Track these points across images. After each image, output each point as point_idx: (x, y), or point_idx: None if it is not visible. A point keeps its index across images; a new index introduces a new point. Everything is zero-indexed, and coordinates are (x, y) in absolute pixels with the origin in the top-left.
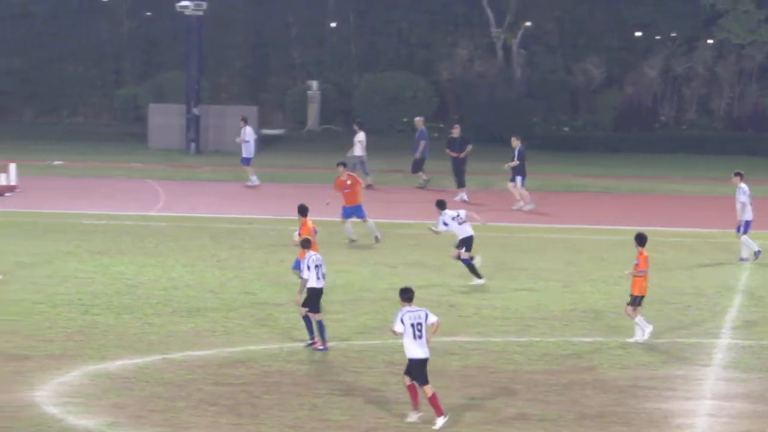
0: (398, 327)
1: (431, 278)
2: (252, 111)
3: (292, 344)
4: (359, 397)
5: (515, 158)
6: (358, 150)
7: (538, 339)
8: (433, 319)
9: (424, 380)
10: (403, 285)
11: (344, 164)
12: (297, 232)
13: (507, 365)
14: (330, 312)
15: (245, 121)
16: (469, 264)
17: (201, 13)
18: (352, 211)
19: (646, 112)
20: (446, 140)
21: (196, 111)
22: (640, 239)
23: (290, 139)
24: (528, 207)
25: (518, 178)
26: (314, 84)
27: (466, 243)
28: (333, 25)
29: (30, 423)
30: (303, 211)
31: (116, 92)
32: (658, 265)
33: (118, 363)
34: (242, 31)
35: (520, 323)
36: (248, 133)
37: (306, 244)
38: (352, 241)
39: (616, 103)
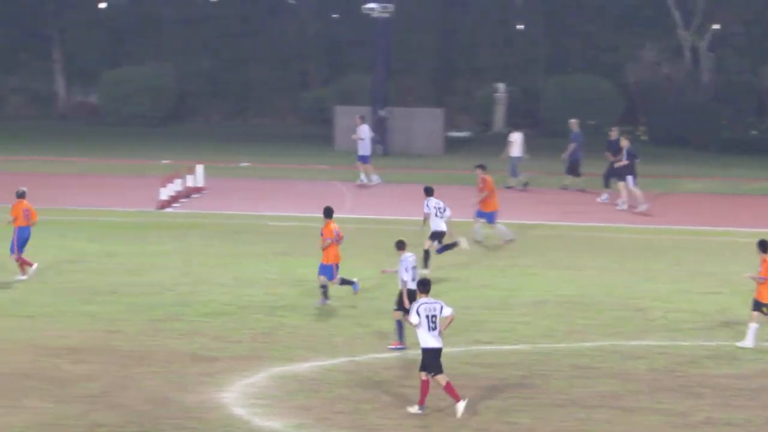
0: (414, 318)
1: (617, 281)
2: (438, 113)
3: (477, 347)
4: (545, 400)
5: (625, 158)
6: (514, 150)
7: (726, 343)
8: (447, 311)
9: (438, 370)
10: (588, 288)
11: (481, 167)
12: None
13: (695, 369)
14: (516, 314)
15: (362, 119)
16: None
17: (387, 15)
18: (484, 215)
19: None
20: (605, 143)
21: (382, 113)
22: (764, 246)
23: (476, 141)
24: (620, 207)
25: (629, 178)
26: (501, 86)
27: (437, 236)
28: (520, 27)
29: (218, 424)
30: (328, 213)
31: (302, 94)
32: None
33: (305, 365)
34: (429, 34)
35: (708, 327)
36: (364, 131)
37: (400, 245)
38: (477, 241)
39: None
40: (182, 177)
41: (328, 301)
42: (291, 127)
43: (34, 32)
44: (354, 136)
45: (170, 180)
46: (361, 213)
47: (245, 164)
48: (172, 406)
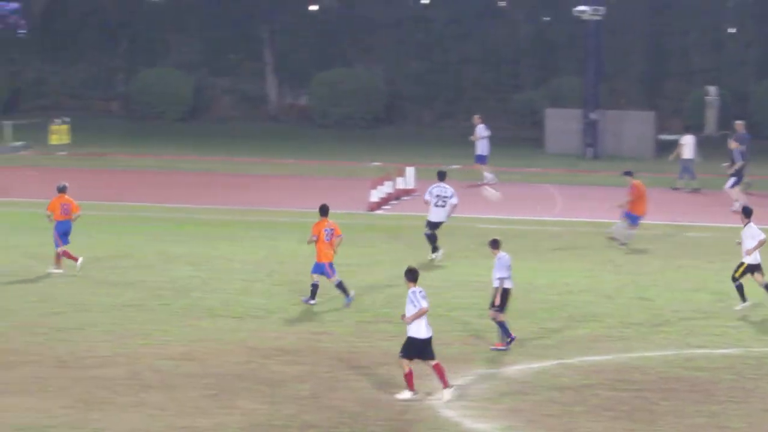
0: (425, 303)
1: None
2: (649, 116)
3: (689, 350)
4: (758, 404)
5: (734, 161)
6: (685, 153)
7: None
8: (424, 303)
9: (431, 356)
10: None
11: (629, 173)
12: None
13: None
14: (728, 318)
15: (480, 119)
16: (429, 237)
17: (599, 17)
18: (630, 216)
19: None
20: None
21: (593, 116)
22: None
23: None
24: (735, 208)
25: (731, 180)
26: (713, 89)
27: (432, 226)
28: (731, 30)
29: (427, 426)
30: (322, 210)
31: (513, 96)
32: None
33: (514, 367)
34: (641, 37)
35: None
36: (482, 131)
37: (495, 244)
38: (622, 244)
39: None
40: (392, 179)
41: (314, 302)
42: (501, 129)
43: (245, 33)
44: (472, 137)
45: (381, 182)
46: (572, 216)
47: (455, 167)
48: (382, 408)
